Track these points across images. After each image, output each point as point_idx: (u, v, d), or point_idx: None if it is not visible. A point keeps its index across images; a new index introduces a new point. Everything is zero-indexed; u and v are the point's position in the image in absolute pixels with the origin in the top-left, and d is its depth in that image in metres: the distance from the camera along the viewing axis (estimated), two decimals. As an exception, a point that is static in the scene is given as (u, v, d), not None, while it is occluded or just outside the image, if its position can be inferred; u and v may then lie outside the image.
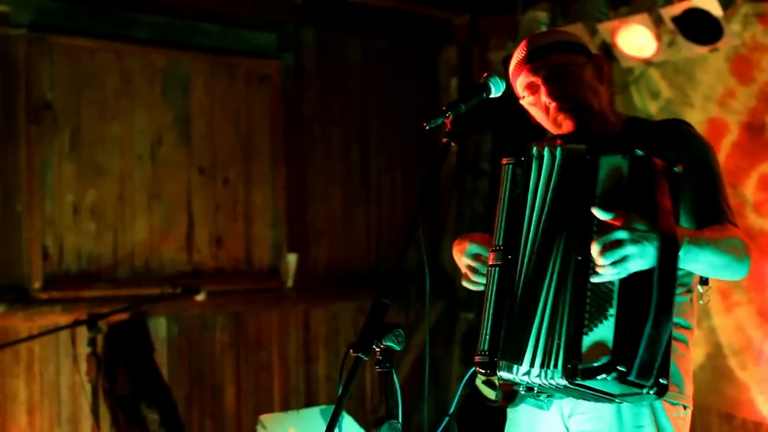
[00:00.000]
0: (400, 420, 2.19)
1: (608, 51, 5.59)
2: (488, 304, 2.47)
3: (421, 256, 2.37)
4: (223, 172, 5.97)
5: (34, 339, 5.05)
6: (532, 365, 2.37)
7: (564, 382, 2.31)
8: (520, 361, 2.39)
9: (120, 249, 5.59)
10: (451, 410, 2.52)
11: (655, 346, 2.25)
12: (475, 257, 2.63)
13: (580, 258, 2.31)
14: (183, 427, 5.48)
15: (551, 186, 2.43)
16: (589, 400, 2.44)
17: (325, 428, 2.19)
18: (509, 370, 2.41)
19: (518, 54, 2.68)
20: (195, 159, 5.87)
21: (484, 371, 2.47)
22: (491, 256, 2.51)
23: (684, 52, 5.33)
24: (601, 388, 2.32)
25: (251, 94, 6.10)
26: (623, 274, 2.25)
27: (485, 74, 2.57)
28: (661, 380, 2.27)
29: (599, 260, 2.23)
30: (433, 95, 6.87)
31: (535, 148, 2.48)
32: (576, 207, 2.34)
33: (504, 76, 2.62)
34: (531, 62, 2.63)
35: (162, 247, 5.73)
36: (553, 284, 2.36)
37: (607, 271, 2.24)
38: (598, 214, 2.26)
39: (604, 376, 2.24)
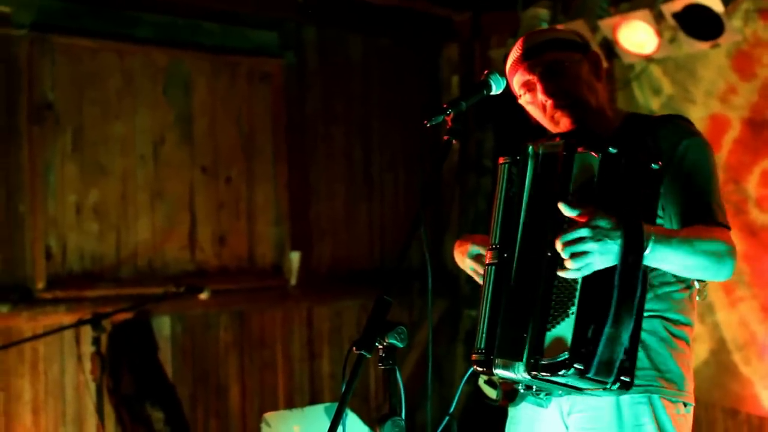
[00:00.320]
0: (404, 417, 2.20)
1: (609, 47, 5.59)
2: (485, 302, 2.50)
3: (425, 254, 2.38)
4: (225, 170, 5.98)
5: (39, 339, 5.06)
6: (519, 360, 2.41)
7: (527, 376, 2.36)
8: (515, 359, 2.40)
9: (123, 248, 5.59)
10: (452, 409, 2.53)
11: (615, 344, 2.28)
12: (477, 258, 2.66)
13: (549, 254, 2.33)
14: (188, 425, 5.49)
15: (534, 183, 2.47)
16: (565, 390, 2.47)
17: (329, 426, 2.20)
18: (505, 367, 2.43)
19: (514, 52, 2.69)
20: (197, 158, 5.88)
21: (481, 369, 2.49)
22: (488, 254, 2.54)
23: (685, 48, 5.33)
24: (565, 382, 2.35)
25: (253, 93, 6.10)
26: (586, 271, 2.27)
27: (486, 71, 2.57)
28: (623, 378, 2.30)
29: (562, 254, 2.27)
30: (435, 92, 6.87)
31: (530, 147, 2.50)
32: (551, 203, 2.36)
33: (504, 73, 2.63)
34: (526, 60, 2.64)
35: (165, 246, 5.73)
36: (533, 281, 2.39)
37: (569, 266, 2.27)
38: (564, 210, 2.28)
39: (563, 372, 2.28)
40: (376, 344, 2.20)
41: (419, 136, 2.31)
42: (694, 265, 2.40)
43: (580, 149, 2.37)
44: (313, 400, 6.08)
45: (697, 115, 5.50)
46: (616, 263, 2.27)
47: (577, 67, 2.63)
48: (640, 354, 2.47)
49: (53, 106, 5.40)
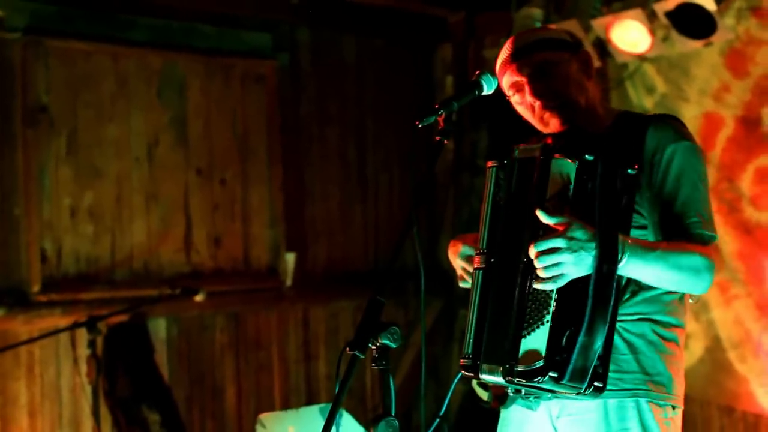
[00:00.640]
0: (394, 416, 2.20)
1: (602, 47, 5.60)
2: (473, 307, 2.50)
3: (421, 253, 2.39)
4: (220, 172, 5.98)
5: (34, 342, 5.05)
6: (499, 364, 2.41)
7: (502, 381, 2.39)
8: (498, 364, 2.41)
9: (118, 251, 5.60)
10: (442, 412, 2.53)
11: (588, 352, 2.30)
12: (468, 259, 2.65)
13: (525, 260, 2.34)
14: (184, 427, 5.49)
15: (515, 188, 2.47)
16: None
17: (323, 426, 2.20)
18: (491, 372, 2.43)
19: (503, 53, 2.67)
20: (192, 160, 5.88)
21: (469, 374, 2.50)
22: (476, 259, 2.54)
23: (678, 46, 5.34)
24: (540, 386, 2.37)
25: (247, 95, 6.11)
26: (560, 282, 2.29)
27: (477, 72, 2.57)
28: (596, 383, 2.33)
29: (536, 263, 2.28)
30: (429, 93, 6.88)
31: (516, 151, 2.50)
32: (528, 209, 2.37)
33: (496, 73, 2.63)
34: (515, 61, 2.62)
35: (160, 248, 5.74)
36: (511, 287, 2.39)
37: (542, 275, 2.29)
38: (542, 217, 2.29)
39: (539, 378, 2.31)
40: (370, 345, 2.21)
41: (413, 136, 2.29)
42: (669, 279, 2.41)
43: (556, 155, 2.37)
44: (310, 402, 6.09)
45: (691, 114, 5.51)
46: (590, 273, 2.28)
47: (566, 67, 2.62)
48: (628, 357, 2.49)
49: (47, 109, 5.40)
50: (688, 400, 5.42)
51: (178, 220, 5.82)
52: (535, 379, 2.31)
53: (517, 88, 2.65)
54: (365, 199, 6.62)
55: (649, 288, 2.51)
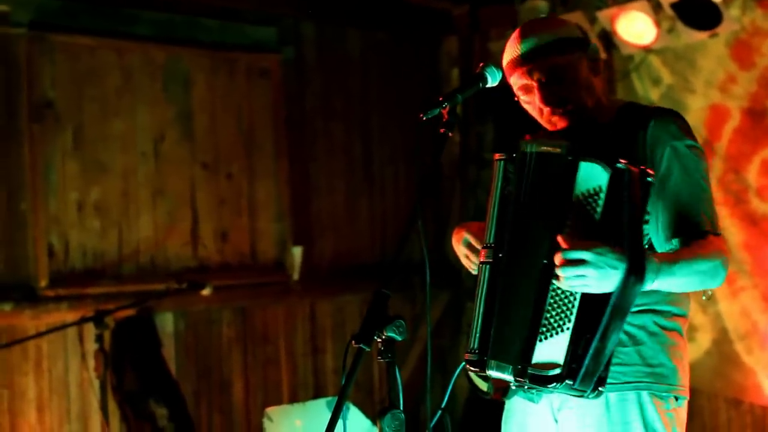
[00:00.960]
0: (402, 409, 2.20)
1: (608, 39, 5.60)
2: (479, 301, 2.49)
3: (428, 245, 2.38)
4: (226, 167, 5.99)
5: (42, 336, 5.06)
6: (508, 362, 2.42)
7: (511, 379, 2.40)
8: (507, 362, 2.41)
9: (125, 245, 5.60)
10: (444, 404, 2.53)
11: (599, 359, 2.31)
12: (471, 247, 2.65)
13: (545, 261, 2.34)
14: (192, 421, 5.51)
15: (532, 184, 2.44)
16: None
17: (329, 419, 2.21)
18: (498, 369, 2.43)
19: (511, 51, 2.62)
20: (198, 154, 5.88)
21: (474, 369, 2.50)
22: (482, 253, 2.52)
23: (684, 38, 5.33)
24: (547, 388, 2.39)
25: (252, 89, 6.11)
26: (576, 291, 2.29)
27: (481, 64, 2.55)
28: (600, 388, 2.36)
29: (558, 270, 2.27)
30: (435, 86, 6.87)
31: (530, 145, 2.47)
32: (549, 208, 2.36)
33: (500, 65, 2.61)
34: (525, 64, 2.58)
35: (167, 242, 5.74)
36: (531, 282, 2.38)
37: (562, 284, 2.29)
38: (561, 242, 2.27)
39: (555, 385, 2.33)
40: (375, 338, 2.21)
41: (419, 129, 2.27)
42: (691, 285, 2.44)
43: (586, 157, 2.34)
44: (317, 395, 6.09)
45: (697, 105, 5.50)
46: (612, 291, 2.27)
47: (575, 70, 2.59)
48: (630, 350, 2.50)
49: (53, 105, 5.41)
50: (695, 392, 5.42)
51: (185, 214, 5.82)
52: (550, 386, 2.33)
53: (527, 90, 2.62)
54: (371, 193, 6.62)
55: None
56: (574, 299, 2.31)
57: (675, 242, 2.45)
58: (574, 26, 2.70)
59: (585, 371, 2.30)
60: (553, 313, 2.33)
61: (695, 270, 2.39)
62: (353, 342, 2.18)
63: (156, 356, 5.44)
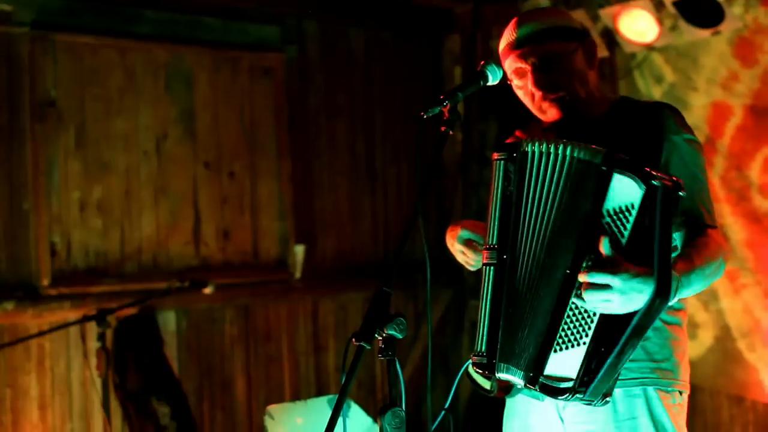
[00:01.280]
0: (404, 407, 2.20)
1: (610, 36, 5.59)
2: (484, 304, 2.48)
3: (430, 245, 2.37)
4: (228, 165, 5.99)
5: (44, 335, 5.07)
6: (519, 367, 2.42)
7: (521, 384, 2.41)
8: (517, 366, 2.41)
9: (127, 244, 5.61)
10: (447, 404, 2.53)
11: (613, 372, 2.32)
12: (468, 243, 2.64)
13: (568, 272, 2.31)
14: (194, 419, 5.51)
15: (555, 189, 2.39)
16: None
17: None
18: (507, 371, 2.43)
19: (508, 35, 2.64)
20: (200, 153, 5.89)
21: (482, 372, 2.49)
22: (485, 254, 2.50)
23: (686, 36, 5.32)
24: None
25: (255, 88, 6.11)
26: (597, 311, 2.27)
27: (482, 62, 2.56)
28: (607, 398, 2.36)
29: (583, 292, 2.25)
30: (438, 84, 6.87)
31: (533, 145, 2.43)
32: (578, 217, 2.32)
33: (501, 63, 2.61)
34: (520, 48, 2.60)
35: (169, 241, 5.75)
36: (548, 290, 2.36)
37: (586, 305, 2.27)
38: (603, 247, 2.24)
39: (566, 396, 2.33)
40: (376, 335, 2.21)
41: (421, 128, 2.26)
42: (700, 289, 2.43)
43: (622, 169, 2.26)
44: (320, 393, 6.10)
45: (700, 103, 5.50)
46: (633, 311, 2.24)
47: (571, 59, 2.60)
48: None
49: (56, 104, 5.41)
50: (697, 389, 5.42)
51: (187, 213, 5.83)
52: (560, 396, 2.34)
53: (520, 74, 2.63)
54: (374, 191, 6.62)
55: None
56: (594, 314, 2.29)
57: (676, 236, 2.45)
58: (568, 18, 2.71)
59: (596, 385, 2.30)
60: (571, 326, 2.32)
61: (706, 274, 2.40)
62: (354, 340, 2.18)
63: (158, 355, 5.44)
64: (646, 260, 2.22)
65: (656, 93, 5.75)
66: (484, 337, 2.46)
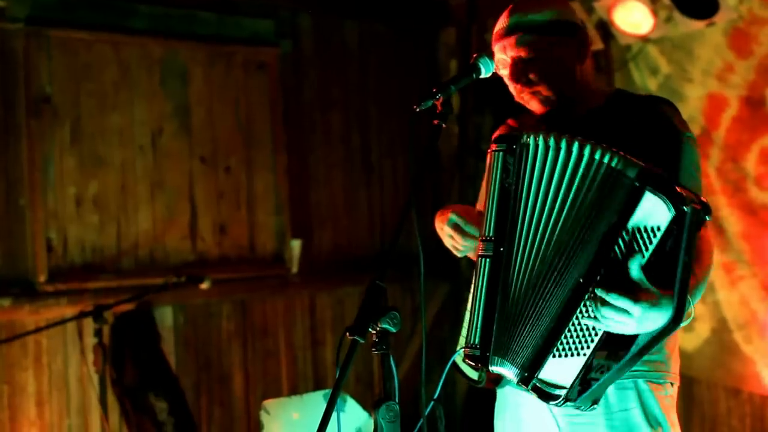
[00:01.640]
0: (397, 401, 2.20)
1: (605, 29, 5.58)
2: (479, 295, 2.46)
3: (426, 237, 2.36)
4: (224, 160, 5.99)
5: (41, 331, 5.07)
6: (513, 363, 2.41)
7: (513, 380, 2.41)
8: (511, 362, 2.41)
9: (124, 240, 5.61)
10: (436, 395, 2.52)
11: (607, 384, 2.33)
12: (458, 228, 2.63)
13: (582, 280, 2.27)
14: (191, 415, 5.51)
15: (566, 187, 2.35)
16: None
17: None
18: (502, 365, 2.42)
19: (500, 23, 2.65)
20: (196, 148, 5.89)
21: (474, 364, 2.48)
22: (480, 245, 2.47)
23: (681, 27, 5.32)
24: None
25: (250, 82, 6.11)
26: (608, 330, 2.25)
27: (474, 55, 2.55)
28: (594, 405, 2.36)
29: (597, 310, 2.21)
30: (433, 77, 6.86)
31: (538, 137, 2.41)
32: (597, 225, 2.27)
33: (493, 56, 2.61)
34: (502, 39, 2.62)
35: (166, 236, 5.75)
36: (555, 293, 2.34)
37: (598, 324, 2.24)
38: (633, 271, 2.19)
39: (556, 402, 2.33)
40: (370, 329, 2.20)
41: (416, 120, 2.25)
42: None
43: (655, 189, 2.19)
44: (317, 388, 6.10)
45: (695, 94, 5.49)
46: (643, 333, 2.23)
47: (553, 52, 2.59)
48: None
49: (51, 100, 5.41)
50: (694, 381, 5.42)
51: (183, 208, 5.83)
52: (550, 402, 2.34)
53: (503, 65, 2.64)
54: (370, 185, 6.62)
55: None
56: (598, 332, 2.27)
57: None
58: (566, 10, 2.68)
59: (589, 394, 2.31)
60: (574, 334, 2.29)
61: (706, 282, 2.40)
62: (348, 334, 2.17)
63: (155, 350, 5.44)
64: (662, 282, 2.19)
65: (652, 85, 5.74)
66: (478, 330, 2.45)
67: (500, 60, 2.63)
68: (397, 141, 6.67)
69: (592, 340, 2.27)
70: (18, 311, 5.20)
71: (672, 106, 2.60)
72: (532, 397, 2.59)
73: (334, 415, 2.15)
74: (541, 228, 2.38)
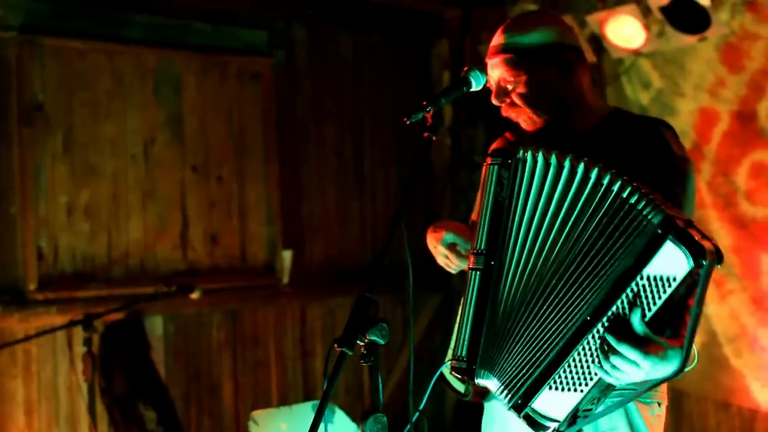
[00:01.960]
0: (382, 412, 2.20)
1: (598, 42, 5.60)
2: (468, 309, 2.45)
3: (417, 249, 2.35)
4: (216, 170, 5.98)
5: (31, 340, 5.06)
6: (505, 386, 2.40)
7: (506, 403, 2.39)
8: (495, 374, 2.40)
9: (114, 249, 5.60)
10: (422, 405, 2.51)
11: (598, 416, 2.33)
12: (451, 247, 2.62)
13: (588, 318, 2.24)
14: (180, 424, 5.50)
15: (568, 209, 2.32)
16: None
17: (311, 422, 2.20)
18: (486, 378, 2.42)
19: (493, 40, 2.65)
20: (188, 157, 5.88)
21: (460, 377, 2.47)
22: (471, 258, 2.46)
23: (673, 42, 5.34)
24: None
25: (243, 92, 6.11)
26: (615, 380, 2.24)
27: (465, 68, 2.55)
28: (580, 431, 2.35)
29: (606, 361, 2.19)
30: (426, 89, 6.87)
31: (537, 154, 2.38)
32: (610, 264, 2.22)
33: (485, 69, 2.61)
34: (493, 56, 2.63)
35: (157, 246, 5.74)
36: (547, 314, 2.32)
37: (605, 376, 2.22)
38: (641, 321, 2.16)
39: (542, 430, 2.32)
40: (358, 341, 2.20)
41: (409, 132, 2.25)
42: None
43: (677, 240, 2.11)
44: (307, 398, 6.09)
45: (687, 109, 5.51)
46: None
47: (540, 76, 2.58)
48: None
49: (43, 108, 5.40)
50: (683, 395, 5.42)
51: (175, 217, 5.82)
52: (539, 431, 2.33)
53: (492, 82, 2.65)
54: (362, 196, 6.62)
55: None
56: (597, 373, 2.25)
57: None
58: (559, 29, 2.65)
59: (577, 424, 2.30)
60: (574, 371, 2.27)
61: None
62: (336, 345, 2.17)
63: (145, 359, 5.43)
64: (665, 327, 2.18)
65: (644, 99, 5.76)
66: (466, 342, 2.44)
67: (490, 76, 2.64)
68: (390, 152, 6.68)
69: (591, 379, 2.25)
70: (7, 319, 5.19)
71: (671, 130, 2.59)
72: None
73: (321, 426, 2.15)
74: (537, 244, 2.35)
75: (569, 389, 2.28)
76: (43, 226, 5.37)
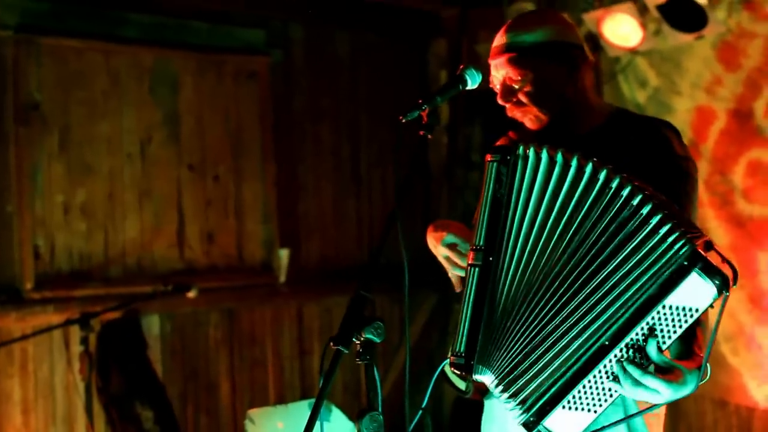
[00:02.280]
0: (381, 411, 2.20)
1: (594, 41, 5.60)
2: (466, 304, 2.43)
3: (415, 247, 2.34)
4: (213, 169, 5.98)
5: (28, 339, 5.06)
6: (500, 381, 2.36)
7: (517, 419, 2.34)
8: (492, 370, 2.38)
9: (111, 248, 5.60)
10: (424, 404, 2.49)
11: (606, 429, 2.31)
12: (452, 247, 2.60)
13: (607, 344, 2.21)
14: (177, 423, 5.50)
15: (575, 210, 2.29)
16: None
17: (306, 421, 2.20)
18: (484, 373, 2.40)
19: (496, 40, 2.64)
20: (185, 156, 5.88)
21: (459, 372, 2.46)
22: (470, 254, 2.44)
23: (670, 40, 5.34)
24: None
25: (240, 91, 6.11)
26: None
27: (461, 66, 2.54)
28: None
29: (626, 389, 2.17)
30: (424, 88, 6.87)
31: (540, 151, 2.36)
32: (631, 286, 2.19)
33: (481, 68, 2.61)
34: (498, 56, 2.61)
35: (153, 244, 5.74)
36: (550, 318, 2.29)
37: (622, 391, 2.21)
38: (660, 351, 2.15)
39: None
40: (354, 339, 2.20)
41: (406, 131, 2.24)
42: None
43: (702, 272, 2.09)
44: (304, 397, 6.09)
45: (684, 107, 5.51)
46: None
47: (545, 74, 2.58)
48: None
49: (40, 107, 5.40)
50: (680, 393, 5.34)
51: (171, 216, 5.82)
52: None
53: (497, 82, 2.64)
54: (359, 195, 6.62)
55: None
56: (615, 391, 2.23)
57: None
58: (562, 28, 2.64)
59: None
60: (590, 391, 2.25)
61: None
62: (331, 344, 2.17)
63: (142, 358, 5.43)
64: (684, 345, 2.20)
65: (640, 97, 5.76)
66: (464, 338, 2.42)
67: (494, 77, 2.63)
68: (386, 151, 6.67)
69: (606, 401, 2.24)
70: (4, 318, 5.19)
71: (674, 131, 2.58)
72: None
73: (317, 424, 2.15)
74: (540, 242, 2.33)
75: (583, 410, 2.26)
76: (39, 225, 5.37)
